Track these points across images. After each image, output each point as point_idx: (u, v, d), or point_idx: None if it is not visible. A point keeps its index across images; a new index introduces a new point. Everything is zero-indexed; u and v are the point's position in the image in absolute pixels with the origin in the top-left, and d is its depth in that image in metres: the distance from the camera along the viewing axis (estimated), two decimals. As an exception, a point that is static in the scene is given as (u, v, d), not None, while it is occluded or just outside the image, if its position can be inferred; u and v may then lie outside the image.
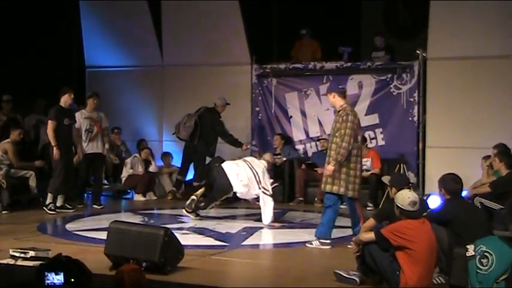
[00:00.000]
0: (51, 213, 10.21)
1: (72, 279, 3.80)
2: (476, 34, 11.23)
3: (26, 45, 12.93)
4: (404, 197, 5.76)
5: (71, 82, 13.86)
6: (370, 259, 5.85)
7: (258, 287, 5.89)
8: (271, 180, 9.64)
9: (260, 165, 9.63)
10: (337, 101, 7.94)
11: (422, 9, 11.92)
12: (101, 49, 14.12)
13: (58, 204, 10.42)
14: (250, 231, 9.02)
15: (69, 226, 9.29)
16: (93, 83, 14.25)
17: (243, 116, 13.04)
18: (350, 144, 7.67)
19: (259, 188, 9.40)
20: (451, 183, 6.50)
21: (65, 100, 10.47)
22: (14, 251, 6.54)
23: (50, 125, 10.30)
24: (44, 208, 10.31)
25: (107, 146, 11.53)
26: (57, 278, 3.78)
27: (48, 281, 3.77)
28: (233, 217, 10.56)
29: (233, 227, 9.39)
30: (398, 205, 5.76)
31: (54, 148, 10.21)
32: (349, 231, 8.19)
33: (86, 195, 11.80)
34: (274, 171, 12.18)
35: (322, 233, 7.83)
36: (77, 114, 11.06)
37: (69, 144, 10.59)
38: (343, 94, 8.01)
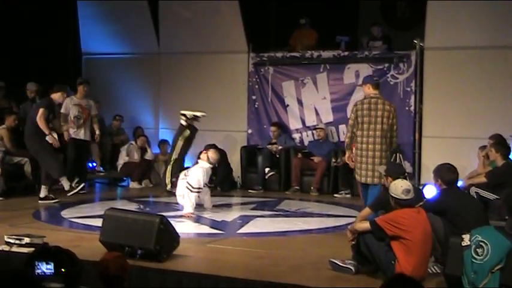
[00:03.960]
0: (53, 202, 9.98)
1: (63, 270, 3.77)
2: (474, 24, 11.22)
3: (22, 32, 12.85)
4: (397, 186, 5.78)
5: (67, 69, 13.85)
6: (366, 248, 5.85)
7: (253, 275, 5.89)
8: (201, 182, 9.29)
9: (197, 168, 9.43)
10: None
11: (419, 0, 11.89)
12: (97, 36, 14.06)
13: (42, 195, 10.08)
14: (246, 219, 9.01)
15: (65, 213, 9.27)
16: (90, 70, 14.21)
17: (240, 104, 13.02)
18: (348, 132, 8.28)
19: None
20: (446, 173, 6.50)
21: (57, 97, 10.31)
22: (9, 238, 6.53)
23: (41, 113, 9.98)
24: (42, 202, 9.99)
25: (98, 132, 11.47)
26: (47, 268, 3.75)
27: (39, 271, 3.74)
28: (229, 205, 10.56)
29: (229, 215, 9.40)
30: (392, 195, 5.78)
31: (49, 136, 10.00)
32: (345, 220, 8.20)
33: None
34: (270, 159, 12.24)
35: None
36: (67, 100, 11.03)
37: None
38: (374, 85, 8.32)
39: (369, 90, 8.23)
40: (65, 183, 10.31)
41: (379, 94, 8.26)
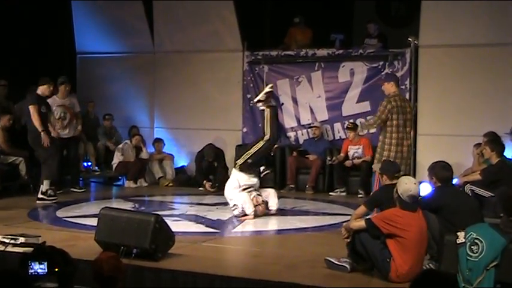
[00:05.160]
0: (50, 199, 9.97)
1: (56, 269, 3.77)
2: (468, 22, 11.22)
3: (16, 32, 12.81)
4: (406, 189, 5.69)
5: (62, 68, 13.79)
6: (361, 247, 5.85)
7: (248, 274, 5.89)
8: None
9: None
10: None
11: (414, -3, 11.89)
12: (92, 35, 14.02)
13: (44, 189, 10.08)
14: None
15: (60, 213, 9.27)
16: (84, 69, 14.18)
17: (234, 102, 13.00)
18: (375, 123, 8.82)
19: None
20: (441, 171, 6.50)
21: (43, 90, 10.32)
22: (4, 238, 6.53)
23: (33, 109, 10.04)
24: (42, 196, 9.97)
25: (79, 127, 11.48)
26: (41, 267, 3.75)
27: (32, 271, 3.74)
28: (224, 204, 10.54)
29: (224, 214, 9.38)
30: (399, 193, 5.72)
31: (42, 133, 9.98)
32: (341, 218, 8.20)
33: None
34: (265, 158, 12.21)
35: None
36: (50, 101, 10.94)
37: (48, 131, 10.31)
38: (396, 83, 8.96)
39: (393, 87, 8.70)
40: (45, 185, 10.05)
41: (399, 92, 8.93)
